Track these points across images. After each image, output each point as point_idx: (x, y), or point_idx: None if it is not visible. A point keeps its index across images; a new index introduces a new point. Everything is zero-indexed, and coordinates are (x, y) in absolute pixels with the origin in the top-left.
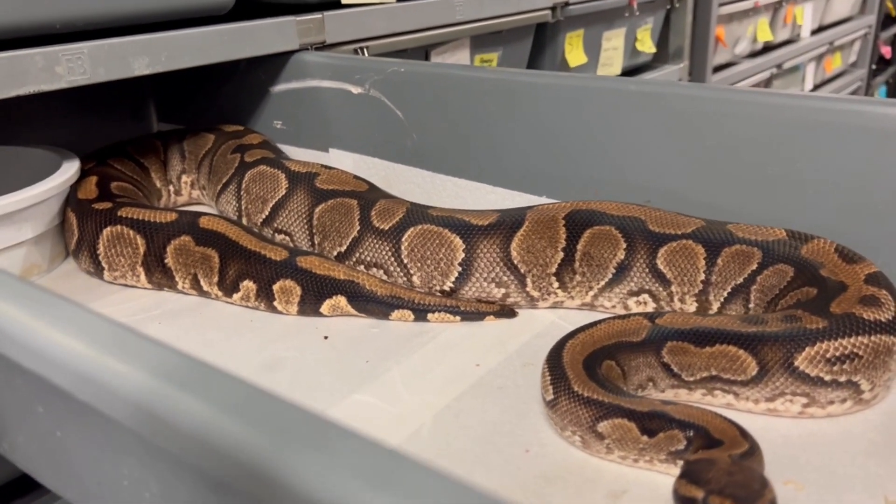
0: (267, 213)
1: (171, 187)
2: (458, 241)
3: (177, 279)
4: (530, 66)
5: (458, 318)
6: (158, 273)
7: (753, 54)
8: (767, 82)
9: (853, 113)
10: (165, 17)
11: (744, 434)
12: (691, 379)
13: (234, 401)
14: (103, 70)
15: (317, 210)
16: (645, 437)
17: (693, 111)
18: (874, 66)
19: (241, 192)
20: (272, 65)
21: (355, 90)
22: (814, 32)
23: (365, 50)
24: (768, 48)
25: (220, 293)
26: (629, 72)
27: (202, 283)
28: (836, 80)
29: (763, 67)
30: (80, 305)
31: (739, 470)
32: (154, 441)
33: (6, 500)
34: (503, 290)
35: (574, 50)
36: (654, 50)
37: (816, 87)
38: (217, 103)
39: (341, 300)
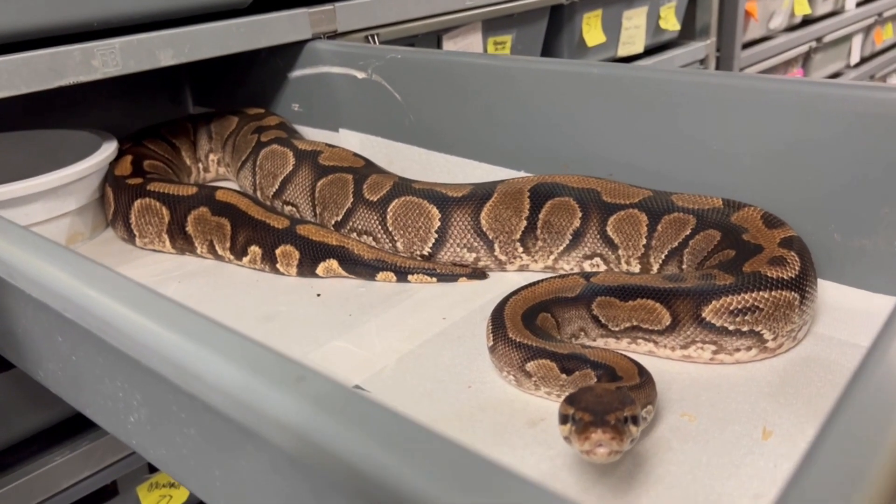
0: (277, 187)
1: (200, 165)
2: (434, 211)
3: (196, 245)
4: (546, 47)
5: (434, 279)
6: (180, 239)
7: (792, 28)
8: (806, 56)
9: (783, 92)
10: (191, 12)
11: (641, 372)
12: (616, 329)
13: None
14: (133, 62)
15: (318, 184)
16: (564, 375)
17: (650, 92)
18: None
19: (256, 169)
20: (289, 53)
21: (360, 75)
22: (860, 4)
23: (376, 37)
24: (808, 21)
25: (231, 257)
26: (652, 50)
27: (217, 248)
28: (888, 51)
29: (799, 42)
30: (84, 258)
31: (609, 394)
32: (134, 356)
33: (58, 442)
34: (474, 255)
35: (592, 30)
36: (678, 27)
37: (865, 60)
38: (244, 88)
39: (333, 263)
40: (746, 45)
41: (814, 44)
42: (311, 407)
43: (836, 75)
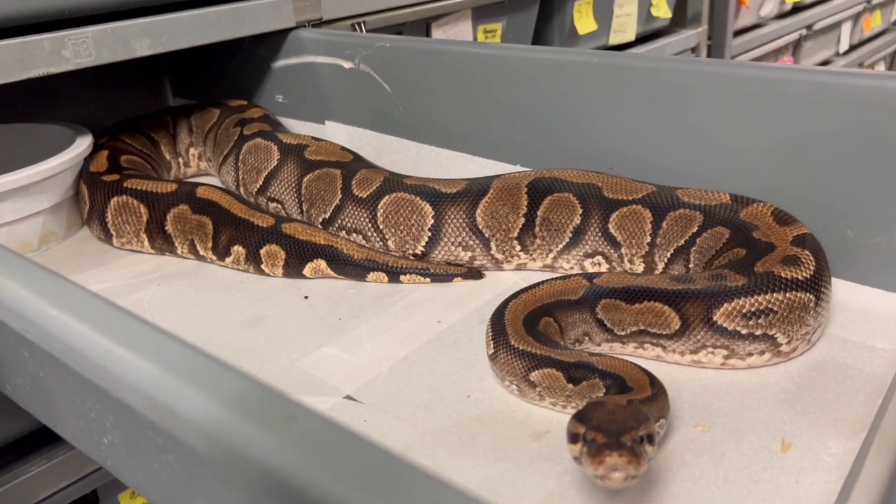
0: (261, 183)
1: (181, 159)
2: (427, 208)
3: (176, 244)
4: (537, 35)
5: (428, 279)
6: (160, 239)
7: (782, 16)
8: (796, 44)
9: (793, 82)
10: None
11: (653, 383)
12: (622, 333)
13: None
14: (107, 52)
15: (305, 179)
16: (570, 385)
17: (651, 82)
18: None
19: (239, 164)
20: (272, 42)
21: (347, 65)
22: None
23: (362, 25)
24: (798, 8)
25: (214, 257)
26: (644, 38)
27: (198, 247)
28: (875, 39)
29: (790, 29)
30: (46, 272)
31: (622, 410)
32: (96, 383)
33: (33, 451)
34: (470, 254)
35: (583, 18)
36: (669, 15)
37: (854, 48)
38: (226, 79)
39: (322, 263)
40: (738, 33)
41: (804, 31)
42: (302, 451)
43: (825, 63)
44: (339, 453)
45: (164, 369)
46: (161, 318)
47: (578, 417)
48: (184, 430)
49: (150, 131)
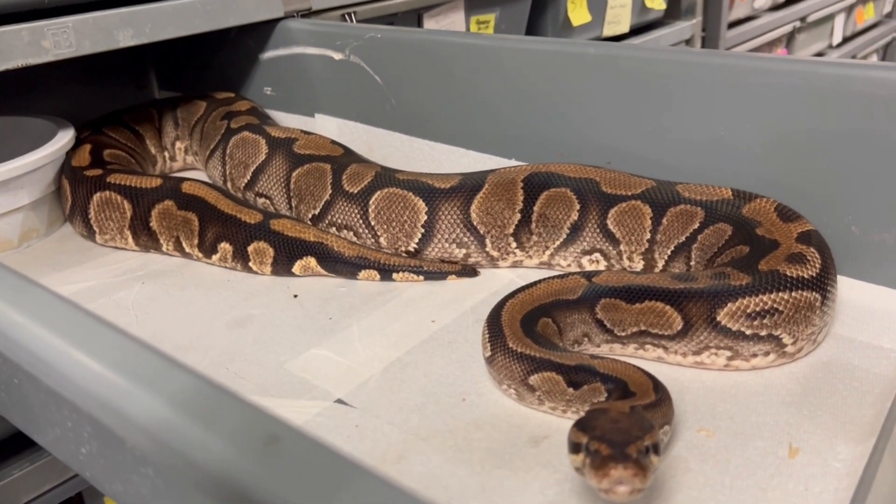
0: (248, 178)
1: (166, 153)
2: (420, 204)
3: (161, 241)
4: (530, 26)
5: (421, 277)
6: (144, 236)
7: (775, 7)
8: (790, 36)
9: (796, 74)
10: None
11: (656, 387)
12: (623, 334)
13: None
14: (89, 43)
15: (294, 174)
16: (571, 390)
17: (650, 73)
18: None
19: (226, 158)
20: (260, 33)
21: (337, 56)
22: None
23: (353, 16)
24: (792, 0)
25: (200, 254)
26: (638, 29)
27: (184, 244)
28: (868, 31)
29: (784, 21)
30: (10, 274)
31: (626, 418)
32: (66, 396)
33: (16, 453)
34: (464, 251)
35: (577, 9)
36: (664, 6)
37: (847, 40)
38: (212, 71)
39: (311, 261)
40: (732, 25)
41: (798, 23)
42: (283, 472)
43: (818, 55)
44: (322, 474)
45: (135, 382)
46: (145, 317)
47: (580, 426)
48: (156, 449)
49: (134, 125)
